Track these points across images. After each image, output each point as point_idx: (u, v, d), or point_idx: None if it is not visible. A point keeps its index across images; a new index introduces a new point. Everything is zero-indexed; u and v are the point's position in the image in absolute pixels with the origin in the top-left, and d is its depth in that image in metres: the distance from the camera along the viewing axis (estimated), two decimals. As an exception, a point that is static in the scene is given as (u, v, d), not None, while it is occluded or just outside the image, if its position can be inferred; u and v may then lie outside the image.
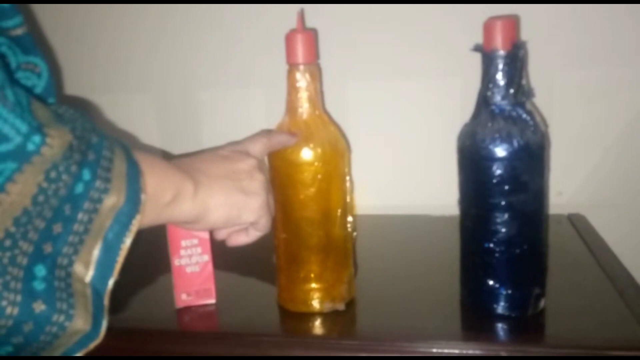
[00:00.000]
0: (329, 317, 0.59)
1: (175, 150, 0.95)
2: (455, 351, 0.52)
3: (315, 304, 0.60)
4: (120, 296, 0.66)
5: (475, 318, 0.57)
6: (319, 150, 0.57)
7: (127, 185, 0.43)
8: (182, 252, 0.60)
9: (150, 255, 0.65)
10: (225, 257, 0.63)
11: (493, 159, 0.53)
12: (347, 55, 0.86)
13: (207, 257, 0.61)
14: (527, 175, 0.54)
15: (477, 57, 0.55)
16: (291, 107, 0.59)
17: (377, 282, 0.67)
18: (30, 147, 0.36)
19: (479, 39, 0.55)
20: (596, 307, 0.59)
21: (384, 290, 0.65)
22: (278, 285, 0.63)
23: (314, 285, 0.60)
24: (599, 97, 0.82)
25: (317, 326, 0.58)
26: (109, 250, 0.43)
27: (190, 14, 0.89)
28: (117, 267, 0.43)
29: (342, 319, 0.59)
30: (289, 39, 0.58)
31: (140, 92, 0.94)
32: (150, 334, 0.58)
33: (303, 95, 0.58)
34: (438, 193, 0.81)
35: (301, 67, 0.57)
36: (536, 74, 0.73)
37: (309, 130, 0.58)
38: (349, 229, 0.62)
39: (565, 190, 0.86)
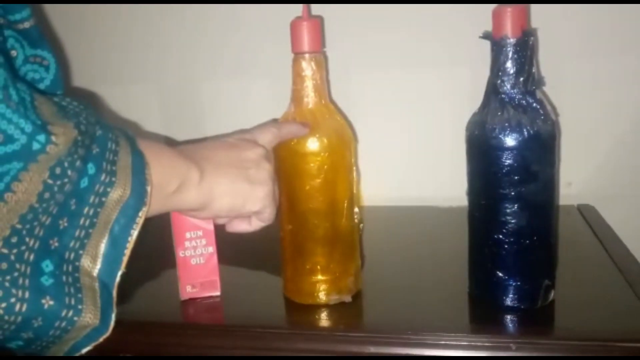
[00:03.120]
0: (335, 309, 0.59)
1: (178, 140, 0.94)
2: (464, 343, 0.51)
3: (322, 296, 0.59)
4: (125, 288, 0.66)
5: (484, 310, 0.57)
6: (325, 140, 0.57)
7: (133, 177, 0.43)
8: (187, 243, 0.59)
9: (155, 246, 0.64)
10: (230, 248, 0.62)
11: (503, 148, 0.53)
12: (354, 44, 0.85)
13: (211, 249, 0.61)
14: (537, 165, 0.53)
15: (486, 45, 0.54)
16: (297, 96, 0.58)
17: (384, 274, 0.67)
18: (36, 146, 0.37)
19: (487, 26, 0.54)
20: (606, 298, 0.58)
21: (391, 282, 0.64)
22: (284, 277, 0.62)
23: (320, 277, 0.59)
24: (610, 87, 0.81)
25: (324, 318, 0.58)
26: (116, 243, 0.43)
27: (194, 2, 0.88)
28: (125, 259, 0.44)
29: (348, 311, 0.58)
30: (294, 27, 0.57)
31: (143, 83, 0.94)
32: (155, 326, 0.57)
33: (309, 85, 0.57)
34: (446, 184, 0.80)
35: (307, 56, 0.57)
36: (547, 62, 0.72)
37: (315, 120, 0.57)
38: (356, 221, 0.61)
39: (575, 180, 0.85)
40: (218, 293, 0.62)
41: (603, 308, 0.56)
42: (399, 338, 0.53)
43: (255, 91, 0.90)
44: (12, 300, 0.37)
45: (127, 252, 0.43)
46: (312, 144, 0.57)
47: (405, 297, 0.61)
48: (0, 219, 0.36)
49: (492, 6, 0.53)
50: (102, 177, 0.41)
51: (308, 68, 0.57)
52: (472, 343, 0.51)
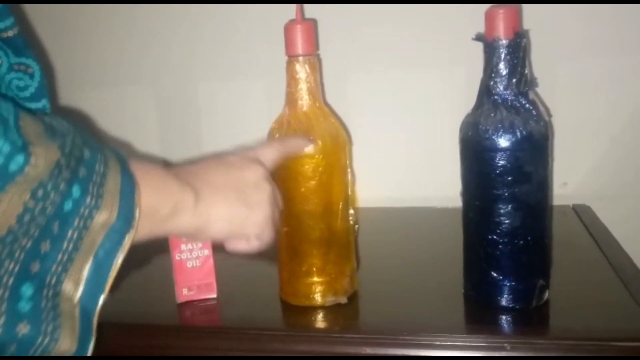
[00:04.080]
0: (331, 310, 0.59)
1: (174, 142, 0.94)
2: (459, 343, 0.52)
3: (318, 298, 0.59)
4: (121, 291, 0.66)
5: (479, 310, 0.57)
6: (320, 142, 0.57)
7: (121, 200, 0.41)
8: (183, 246, 0.60)
9: (151, 250, 0.64)
10: (226, 251, 0.62)
11: (496, 149, 0.53)
12: (347, 46, 0.85)
13: (207, 252, 0.61)
14: (530, 165, 0.53)
15: (480, 46, 0.54)
16: (291, 99, 0.58)
17: (379, 275, 0.67)
18: (13, 167, 0.35)
19: (481, 27, 0.54)
20: (600, 298, 0.58)
21: (387, 283, 0.64)
22: (280, 279, 0.62)
23: (316, 278, 0.59)
24: (603, 87, 0.81)
25: (320, 320, 0.58)
26: (100, 268, 0.41)
27: (189, 5, 0.88)
28: (108, 285, 0.42)
29: (344, 313, 0.59)
30: (288, 29, 0.57)
31: (138, 85, 0.94)
32: (152, 329, 0.57)
33: (303, 87, 0.57)
34: (440, 185, 0.80)
35: (300, 59, 0.57)
36: (539, 63, 0.72)
37: (310, 122, 0.57)
38: (351, 222, 0.61)
39: (570, 180, 0.85)
40: (214, 295, 0.62)
41: (597, 308, 0.56)
42: (395, 339, 0.53)
43: (251, 93, 0.90)
44: None
45: (111, 277, 0.42)
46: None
47: (400, 298, 0.61)
48: None
49: (485, 7, 0.53)
50: (88, 200, 0.40)
51: (302, 71, 0.57)
52: (467, 343, 0.51)
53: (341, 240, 0.60)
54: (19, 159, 0.36)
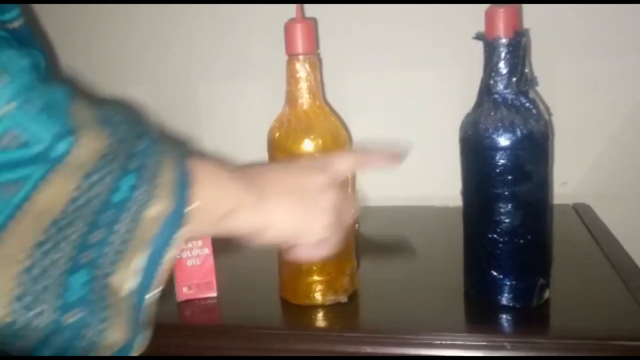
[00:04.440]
0: (331, 309, 0.59)
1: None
2: (459, 342, 0.52)
3: (318, 297, 0.59)
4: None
5: (479, 309, 0.57)
6: (320, 141, 0.57)
7: (174, 195, 0.41)
8: (183, 245, 0.59)
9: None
10: (226, 250, 0.62)
11: (496, 148, 0.53)
12: (348, 45, 0.85)
13: (207, 250, 0.61)
14: (530, 164, 0.53)
15: (480, 46, 0.54)
16: (291, 98, 0.58)
17: (379, 274, 0.67)
18: (60, 149, 0.35)
19: (481, 26, 0.54)
20: (601, 297, 0.58)
21: (387, 282, 0.64)
22: (280, 277, 0.62)
23: (316, 277, 0.59)
24: (603, 86, 0.81)
25: (320, 319, 0.58)
26: (152, 261, 0.41)
27: (188, 5, 0.88)
28: (159, 278, 0.42)
29: (344, 311, 0.59)
30: (288, 28, 0.57)
31: (137, 85, 0.94)
32: (151, 327, 0.57)
33: (303, 86, 0.57)
34: (441, 184, 0.80)
35: (301, 57, 0.57)
36: (540, 62, 0.72)
37: (310, 121, 0.57)
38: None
39: (570, 180, 0.85)
40: (214, 294, 0.62)
41: (598, 307, 0.56)
42: (395, 338, 0.53)
43: (251, 92, 0.90)
44: (40, 308, 0.36)
45: (161, 271, 0.41)
46: (307, 145, 0.57)
47: (401, 297, 0.61)
48: (26, 225, 0.36)
49: (485, 6, 0.53)
50: (141, 192, 0.39)
51: (302, 69, 0.57)
52: (468, 342, 0.51)
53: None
54: (66, 141, 0.36)
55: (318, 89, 0.58)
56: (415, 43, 0.84)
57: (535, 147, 0.53)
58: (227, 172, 0.46)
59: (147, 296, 0.42)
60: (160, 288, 0.42)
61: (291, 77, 0.57)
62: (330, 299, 0.59)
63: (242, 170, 0.48)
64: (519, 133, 0.52)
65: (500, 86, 0.53)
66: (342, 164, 0.52)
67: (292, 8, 0.58)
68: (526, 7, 0.73)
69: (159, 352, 0.56)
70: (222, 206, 0.44)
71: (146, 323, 0.42)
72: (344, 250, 0.60)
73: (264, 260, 0.69)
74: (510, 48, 0.52)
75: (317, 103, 0.58)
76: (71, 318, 0.37)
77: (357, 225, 0.63)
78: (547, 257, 0.58)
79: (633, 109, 0.82)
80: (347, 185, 0.52)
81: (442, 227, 0.79)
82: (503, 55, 0.52)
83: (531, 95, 0.53)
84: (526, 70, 0.53)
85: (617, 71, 0.80)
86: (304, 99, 0.57)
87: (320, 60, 0.59)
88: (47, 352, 0.39)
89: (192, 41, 0.90)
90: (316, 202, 0.49)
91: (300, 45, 0.57)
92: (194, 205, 0.41)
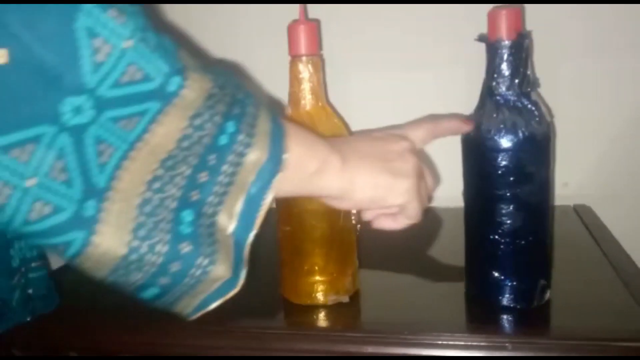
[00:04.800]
0: (333, 309, 0.59)
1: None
2: (460, 343, 0.52)
3: (320, 297, 0.59)
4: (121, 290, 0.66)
5: (481, 310, 0.57)
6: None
7: (271, 143, 0.43)
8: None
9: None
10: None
11: (498, 149, 0.53)
12: (350, 46, 0.85)
13: (210, 250, 0.61)
14: (532, 166, 0.53)
15: (482, 47, 0.54)
16: (294, 99, 0.58)
17: (381, 274, 0.67)
18: (171, 87, 0.37)
19: (483, 28, 0.54)
20: (602, 298, 0.58)
21: (389, 283, 0.65)
22: (281, 277, 0.62)
23: (318, 277, 0.59)
24: (605, 87, 0.81)
25: (322, 319, 0.58)
26: (251, 205, 0.43)
27: (189, 5, 0.88)
28: (258, 221, 0.44)
29: (346, 312, 0.59)
30: (292, 29, 0.57)
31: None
32: (152, 327, 0.57)
33: (306, 87, 0.57)
34: (442, 184, 0.80)
35: (304, 59, 0.57)
36: (541, 64, 0.72)
37: (312, 122, 0.57)
38: (353, 221, 0.61)
39: (571, 181, 0.86)
40: (216, 294, 0.62)
41: (599, 308, 0.56)
42: (397, 338, 0.53)
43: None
44: (155, 240, 0.38)
45: (261, 214, 0.44)
46: (310, 146, 0.57)
47: (402, 297, 0.61)
48: (142, 161, 0.37)
49: (488, 7, 0.54)
50: (241, 138, 0.41)
51: (305, 70, 0.57)
52: (469, 343, 0.52)
53: (343, 239, 0.60)
54: (177, 80, 0.37)
55: (321, 90, 0.58)
56: (417, 44, 0.84)
57: (537, 149, 0.53)
58: (312, 134, 0.48)
59: (246, 238, 0.44)
60: (255, 232, 0.44)
61: (294, 78, 0.58)
62: (332, 298, 0.59)
63: (325, 137, 0.49)
64: (520, 135, 0.52)
65: (503, 88, 0.53)
66: (417, 133, 0.54)
67: (294, 9, 0.58)
68: (528, 9, 0.74)
69: (160, 352, 0.56)
70: (311, 163, 0.46)
71: (246, 261, 0.44)
72: (346, 250, 0.61)
73: (266, 259, 0.69)
74: (513, 50, 0.52)
75: (320, 104, 0.58)
76: (184, 249, 0.40)
77: (358, 225, 0.63)
78: (548, 258, 0.58)
79: (634, 110, 0.82)
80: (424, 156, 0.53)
81: (444, 228, 0.79)
82: (505, 57, 0.53)
83: (533, 97, 0.54)
84: (528, 72, 0.53)
85: (619, 73, 0.80)
86: (307, 100, 0.58)
87: (323, 62, 0.59)
88: (161, 284, 0.41)
89: (194, 42, 0.90)
90: (399, 166, 0.50)
91: (303, 46, 0.57)
92: (288, 155, 0.43)
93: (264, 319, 0.58)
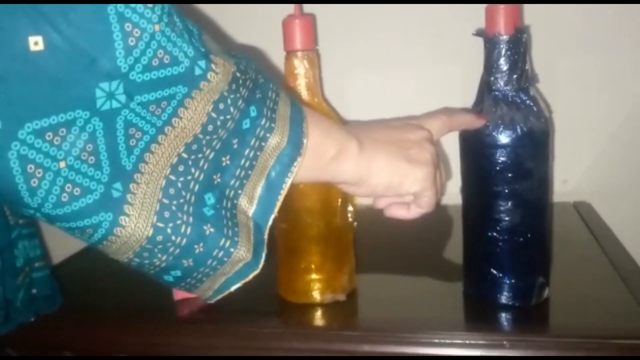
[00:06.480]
0: (329, 308, 0.58)
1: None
2: (458, 341, 0.51)
3: (316, 295, 0.59)
4: (119, 289, 0.66)
5: (479, 307, 0.57)
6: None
7: (291, 127, 0.44)
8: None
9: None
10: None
11: (496, 145, 0.52)
12: (346, 42, 0.85)
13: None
14: (531, 162, 0.53)
15: (478, 43, 0.54)
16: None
17: (378, 273, 0.66)
18: (198, 71, 0.38)
19: (481, 23, 0.53)
20: (601, 295, 0.58)
21: (386, 281, 0.64)
22: (278, 276, 0.62)
23: (314, 276, 0.59)
24: (604, 83, 0.81)
25: (318, 317, 0.58)
26: (271, 189, 0.44)
27: (188, 4, 0.88)
28: (278, 205, 0.45)
29: (343, 310, 0.58)
30: (287, 24, 0.56)
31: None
32: (149, 326, 0.57)
33: (301, 83, 0.57)
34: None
35: (299, 54, 0.56)
36: (540, 59, 0.72)
37: (308, 118, 0.57)
38: (350, 219, 0.61)
39: (571, 178, 0.85)
40: (212, 292, 0.62)
41: (597, 305, 0.56)
42: (394, 336, 0.52)
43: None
44: (179, 222, 0.39)
45: (281, 197, 0.45)
46: (306, 143, 0.56)
47: (399, 295, 0.61)
48: (168, 144, 0.38)
49: (484, 4, 0.53)
50: (263, 122, 0.42)
51: (300, 66, 0.56)
52: (467, 341, 0.51)
53: (340, 237, 0.60)
54: (202, 64, 0.38)
55: (317, 86, 0.58)
56: (414, 40, 0.83)
57: (536, 145, 0.53)
58: (330, 120, 0.48)
59: (266, 221, 0.45)
60: (274, 215, 0.45)
61: (289, 74, 0.57)
62: (329, 297, 0.59)
63: (341, 124, 0.50)
64: (519, 130, 0.52)
65: (501, 83, 0.53)
66: (433, 124, 0.54)
67: (290, 8, 0.57)
68: (526, 4, 0.73)
69: (157, 351, 0.56)
70: (329, 148, 0.46)
71: (265, 244, 0.46)
72: (343, 248, 0.60)
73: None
74: (511, 45, 0.52)
75: (316, 100, 0.58)
76: (207, 231, 0.41)
77: (355, 223, 0.63)
78: (547, 255, 0.57)
79: (634, 106, 0.81)
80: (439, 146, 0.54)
81: (441, 225, 0.78)
82: (503, 52, 0.52)
83: (532, 92, 0.53)
84: (527, 67, 0.53)
85: (618, 68, 0.80)
86: (303, 95, 0.57)
87: (318, 57, 0.58)
88: (184, 266, 0.41)
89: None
90: (416, 153, 0.51)
91: (298, 41, 0.56)
92: (307, 140, 0.44)
93: (260, 317, 0.58)
